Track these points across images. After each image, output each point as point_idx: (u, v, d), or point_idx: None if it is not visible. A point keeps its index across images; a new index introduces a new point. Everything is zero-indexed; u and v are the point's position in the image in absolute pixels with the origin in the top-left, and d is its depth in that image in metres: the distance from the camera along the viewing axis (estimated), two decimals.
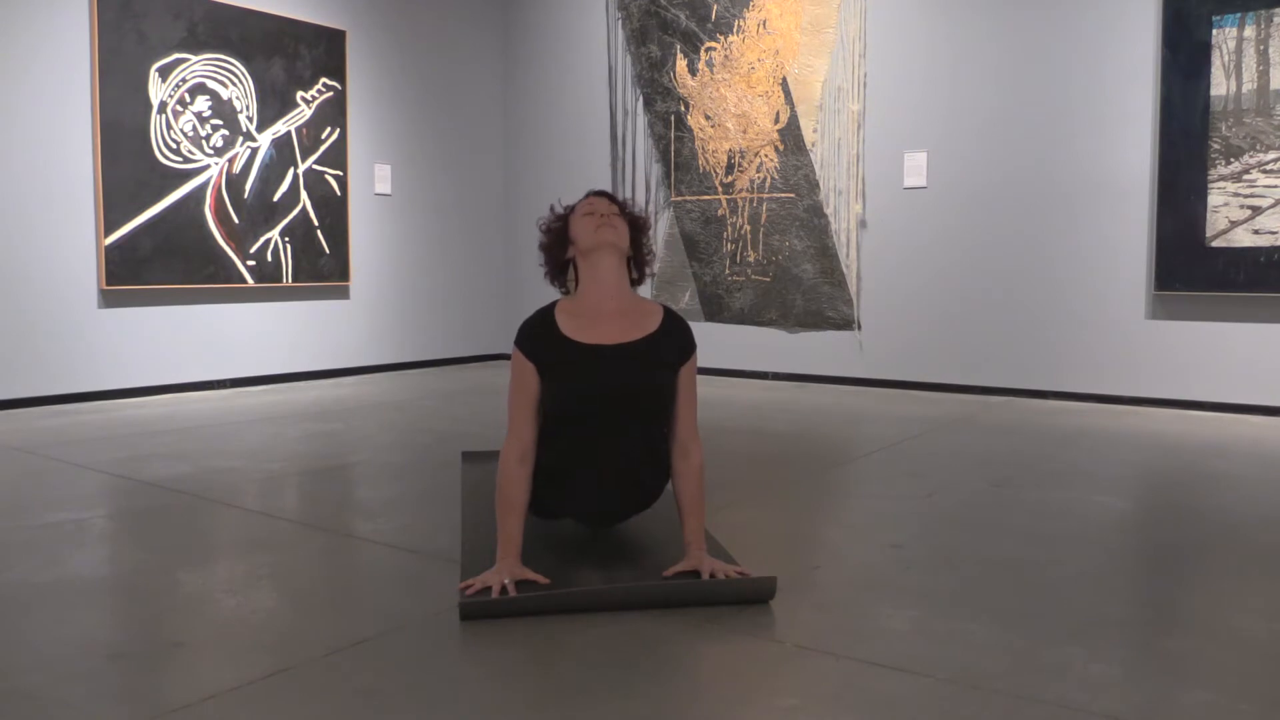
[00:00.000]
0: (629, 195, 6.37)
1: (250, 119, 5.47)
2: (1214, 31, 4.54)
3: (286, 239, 5.67)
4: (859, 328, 5.61)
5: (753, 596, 1.98)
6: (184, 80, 5.17)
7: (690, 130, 6.12)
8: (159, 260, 5.10)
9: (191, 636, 1.81)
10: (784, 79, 5.77)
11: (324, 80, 5.83)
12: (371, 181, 6.20)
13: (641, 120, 6.33)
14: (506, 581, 1.94)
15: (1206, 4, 4.54)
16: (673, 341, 2.19)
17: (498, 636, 1.81)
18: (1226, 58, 4.52)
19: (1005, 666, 1.68)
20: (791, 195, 5.78)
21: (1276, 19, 4.41)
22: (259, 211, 5.54)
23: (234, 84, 5.40)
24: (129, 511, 2.76)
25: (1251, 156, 4.48)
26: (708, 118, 6.05)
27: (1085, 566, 2.27)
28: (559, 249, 2.29)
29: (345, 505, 2.89)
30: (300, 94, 5.71)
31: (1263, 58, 4.44)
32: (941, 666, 1.68)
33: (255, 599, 2.02)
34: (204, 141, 5.27)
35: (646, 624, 1.86)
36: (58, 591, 2.06)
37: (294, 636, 1.81)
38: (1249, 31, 4.46)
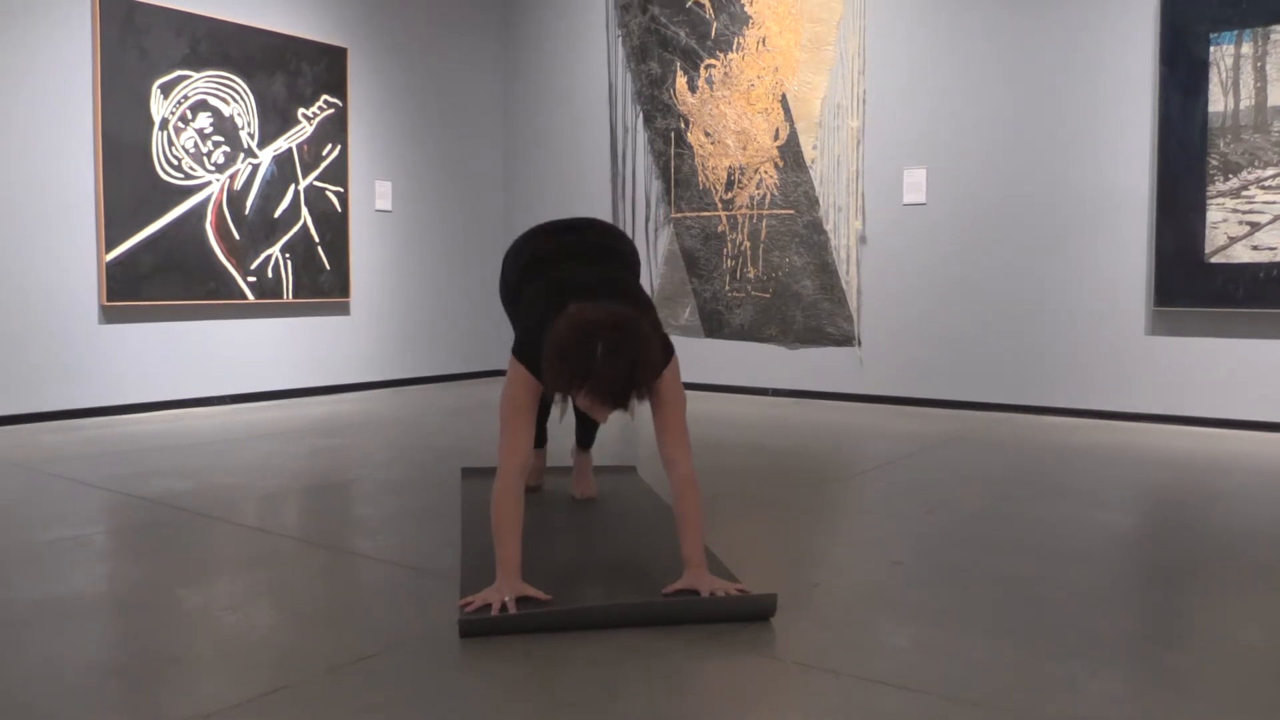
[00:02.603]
0: (629, 211, 6.39)
1: (251, 135, 5.49)
2: (1211, 49, 4.56)
3: (287, 255, 5.68)
4: (859, 344, 5.61)
5: (753, 614, 1.97)
6: (186, 97, 5.19)
7: (690, 147, 6.14)
8: (160, 276, 5.11)
9: (191, 653, 1.81)
10: (783, 96, 5.79)
11: (325, 97, 5.85)
12: (372, 198, 6.22)
13: (641, 137, 6.36)
14: (506, 599, 1.94)
15: (1204, 22, 4.57)
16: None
17: (498, 654, 1.81)
18: (1224, 74, 4.54)
19: (1006, 683, 1.67)
20: (791, 212, 5.79)
21: (1274, 36, 4.43)
22: (260, 228, 5.55)
23: (235, 101, 5.42)
24: (128, 528, 2.75)
25: (1250, 173, 4.49)
26: (707, 134, 6.07)
27: (1086, 582, 2.26)
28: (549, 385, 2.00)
29: (345, 522, 2.88)
30: (301, 111, 5.73)
31: (1260, 75, 4.46)
32: (942, 683, 1.67)
33: (255, 616, 2.02)
34: (205, 158, 5.29)
35: (647, 641, 1.86)
36: (57, 608, 2.06)
37: (294, 653, 1.81)
38: (1246, 49, 4.49)
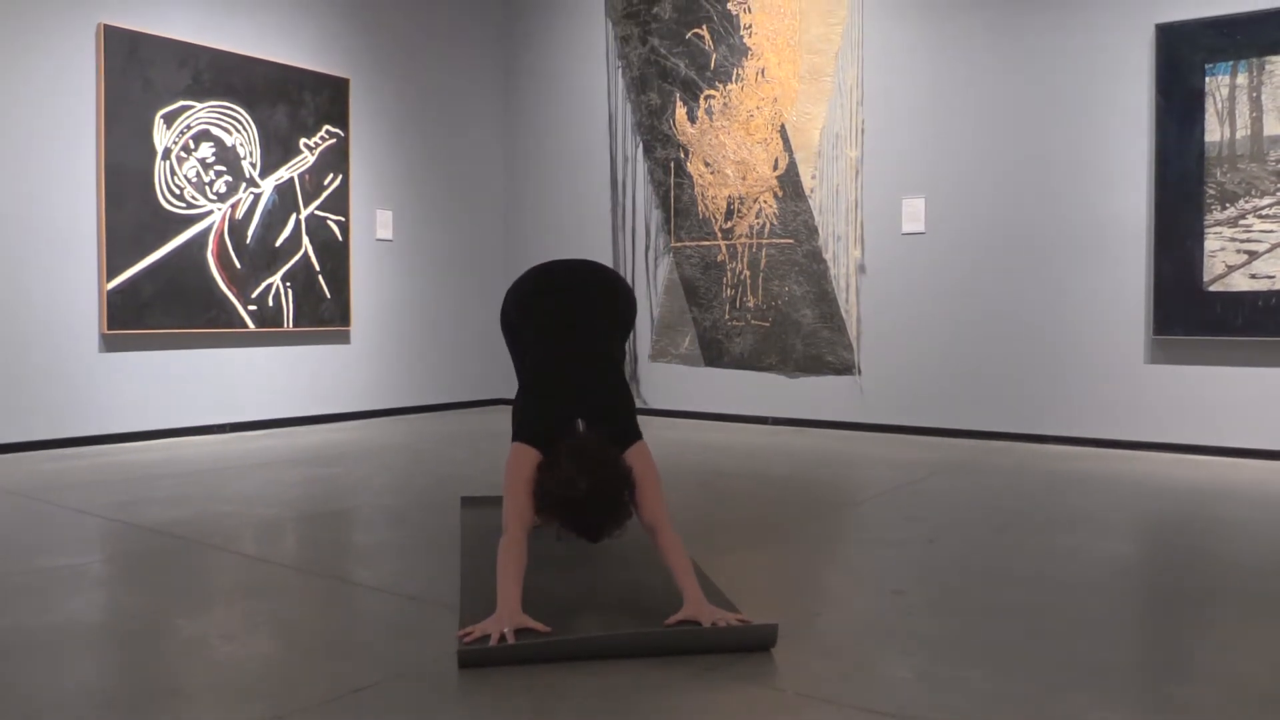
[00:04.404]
0: (629, 241, 6.41)
1: (254, 165, 5.52)
2: (1207, 79, 4.59)
3: (288, 284, 5.69)
4: (859, 372, 5.61)
5: (754, 644, 1.96)
6: (189, 127, 5.22)
7: (690, 177, 6.17)
8: (160, 304, 5.12)
9: (186, 684, 1.79)
10: (782, 126, 5.83)
11: (327, 127, 5.89)
12: (373, 227, 6.24)
13: (641, 167, 6.39)
14: (506, 629, 1.93)
15: (1199, 52, 4.60)
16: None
17: (497, 685, 1.79)
18: (1220, 105, 4.57)
19: (1009, 715, 1.66)
20: (790, 241, 5.81)
21: (1268, 67, 4.46)
22: (261, 256, 5.57)
23: (238, 130, 5.45)
24: (126, 556, 2.74)
25: (1247, 202, 4.51)
26: (707, 164, 6.10)
27: (1089, 612, 2.25)
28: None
29: (343, 550, 2.87)
30: (303, 140, 5.76)
31: (1256, 105, 4.49)
32: (945, 714, 1.66)
33: (251, 645, 2.01)
34: (207, 187, 5.32)
35: (647, 672, 1.85)
36: (52, 637, 2.05)
37: (290, 684, 1.79)
38: (1241, 79, 4.52)
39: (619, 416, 2.35)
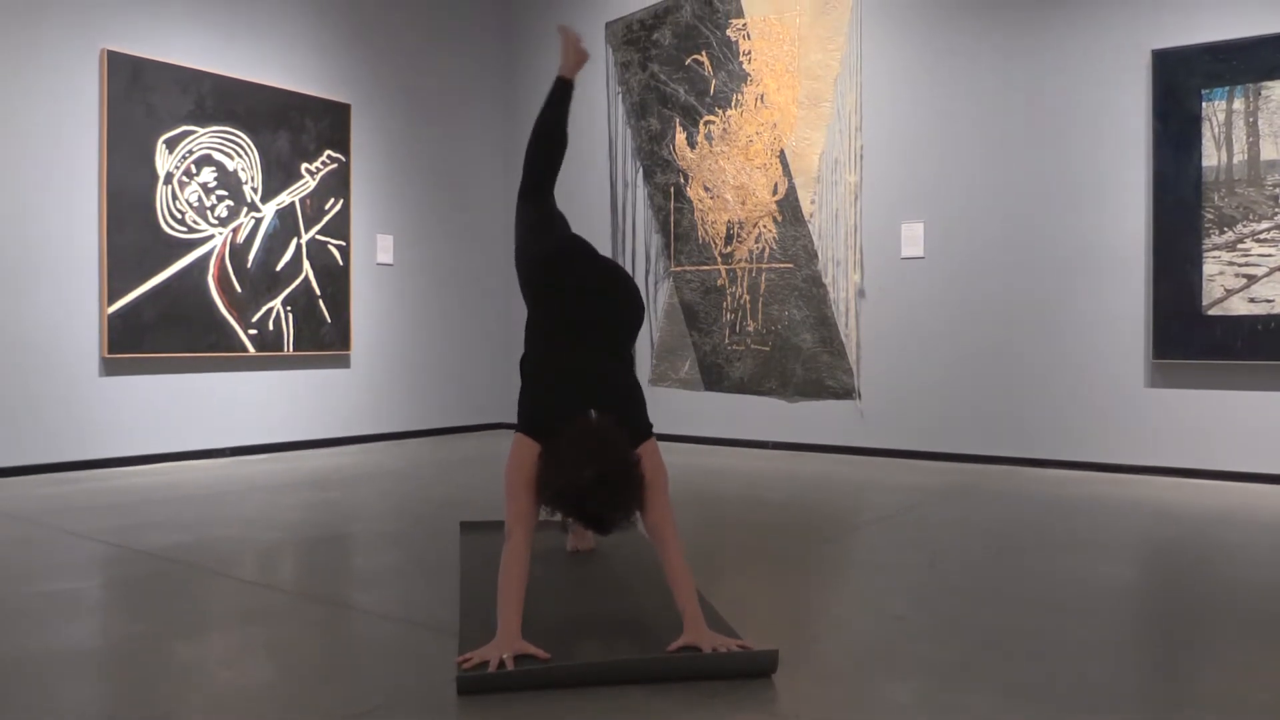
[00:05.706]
0: (629, 265, 6.42)
1: (255, 190, 5.55)
2: (1204, 104, 4.62)
3: (288, 308, 5.70)
4: (859, 397, 5.61)
5: (755, 670, 1.95)
6: (191, 152, 5.25)
7: (690, 201, 6.19)
8: (161, 328, 5.13)
9: (184, 709, 1.79)
10: (782, 151, 5.85)
11: (328, 152, 5.92)
12: (373, 251, 6.26)
13: (641, 192, 6.41)
14: (505, 655, 1.92)
15: (1196, 78, 4.63)
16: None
17: (496, 711, 1.78)
18: (1217, 130, 4.59)
19: None
20: (790, 265, 5.83)
21: (1264, 92, 4.49)
22: (261, 281, 5.58)
23: (240, 155, 5.48)
24: (125, 580, 2.73)
25: (1245, 226, 4.53)
26: (707, 189, 6.12)
27: (1090, 637, 2.24)
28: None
29: (343, 575, 2.86)
30: (304, 165, 5.79)
31: (1252, 130, 4.51)
32: None
33: (250, 671, 2.00)
34: (209, 212, 5.34)
35: (647, 699, 1.84)
36: (49, 661, 2.04)
37: (289, 710, 1.79)
38: (1238, 104, 4.54)
39: (629, 410, 2.28)
